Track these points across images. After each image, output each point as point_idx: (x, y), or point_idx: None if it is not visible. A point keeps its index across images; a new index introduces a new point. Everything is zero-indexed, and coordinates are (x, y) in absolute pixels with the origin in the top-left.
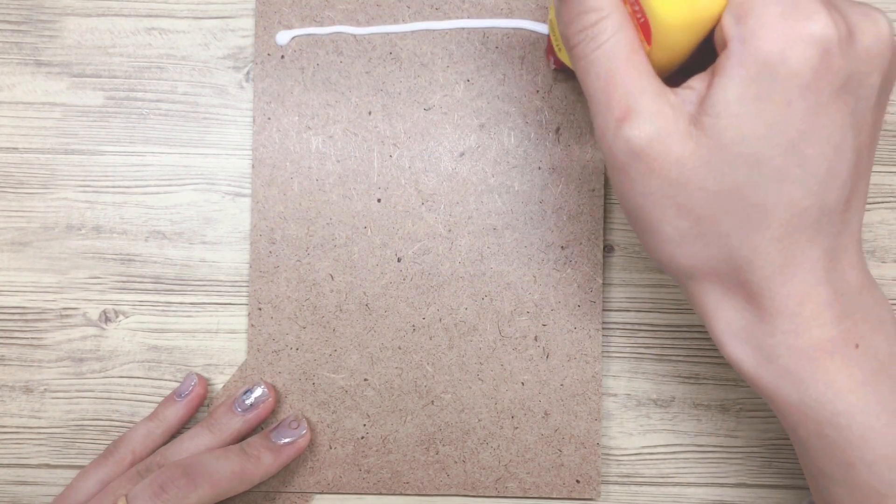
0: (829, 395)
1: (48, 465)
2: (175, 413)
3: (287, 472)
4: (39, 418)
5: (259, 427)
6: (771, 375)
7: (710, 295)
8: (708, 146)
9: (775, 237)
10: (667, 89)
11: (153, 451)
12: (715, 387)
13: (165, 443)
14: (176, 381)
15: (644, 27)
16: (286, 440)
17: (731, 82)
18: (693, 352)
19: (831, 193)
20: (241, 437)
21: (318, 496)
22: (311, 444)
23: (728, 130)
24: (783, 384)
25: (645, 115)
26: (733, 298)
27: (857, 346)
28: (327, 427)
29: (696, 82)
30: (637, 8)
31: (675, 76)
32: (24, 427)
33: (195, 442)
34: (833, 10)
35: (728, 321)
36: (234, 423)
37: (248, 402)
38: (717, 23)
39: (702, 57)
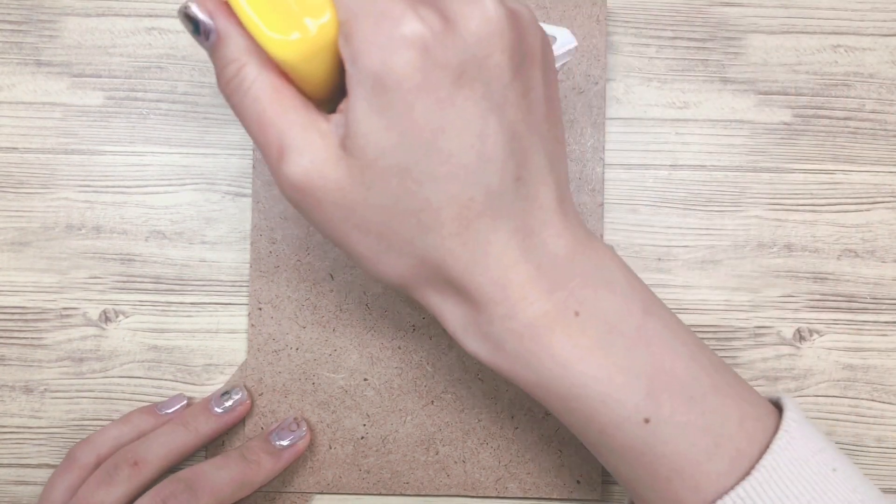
0: (559, 369)
1: (48, 465)
2: (150, 423)
3: (287, 472)
4: (39, 418)
5: (265, 434)
6: (504, 361)
7: (431, 298)
8: (358, 166)
9: (454, 233)
10: (318, 118)
11: None
12: None
13: None
14: (176, 380)
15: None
16: (286, 442)
17: (357, 102)
18: None
19: (493, 177)
20: (217, 435)
21: (318, 496)
22: (311, 444)
23: (368, 148)
24: (517, 367)
25: (296, 150)
26: (449, 297)
27: (576, 313)
28: (327, 427)
29: (344, 104)
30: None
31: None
32: (24, 427)
33: (170, 437)
34: (423, 8)
35: (454, 318)
36: (211, 421)
37: (227, 403)
38: (334, 41)
39: None
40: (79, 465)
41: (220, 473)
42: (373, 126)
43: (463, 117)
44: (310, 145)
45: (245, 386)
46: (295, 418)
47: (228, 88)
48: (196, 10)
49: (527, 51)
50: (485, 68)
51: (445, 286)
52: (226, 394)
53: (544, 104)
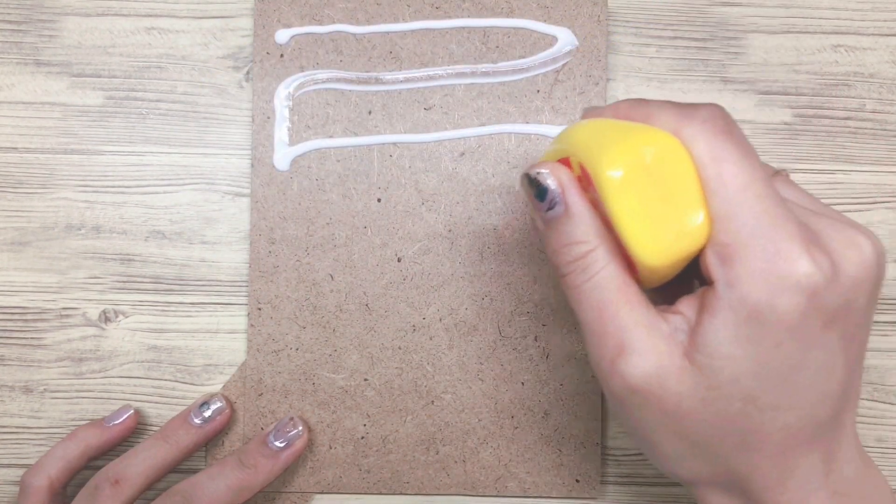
0: None
1: None
2: (97, 436)
3: (287, 472)
4: (39, 418)
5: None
6: None
7: (713, 498)
8: (704, 384)
9: (772, 455)
10: (659, 319)
11: (70, 473)
12: None
13: (83, 467)
14: (176, 381)
15: (629, 260)
16: (283, 443)
17: (721, 324)
18: None
19: (824, 411)
20: (199, 447)
21: (318, 496)
22: (311, 444)
23: (722, 371)
24: None
25: (640, 352)
26: (735, 502)
27: None
28: (327, 427)
29: (685, 307)
30: (621, 243)
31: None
32: (24, 427)
33: (151, 453)
34: (816, 250)
35: None
36: (192, 433)
37: (206, 413)
38: (699, 250)
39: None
40: (31, 491)
41: (217, 482)
42: (735, 352)
43: (819, 358)
44: (653, 350)
45: (223, 395)
46: (291, 418)
47: (569, 267)
48: (548, 179)
49: (878, 291)
50: (850, 311)
51: (736, 493)
52: (204, 404)
53: (868, 335)
